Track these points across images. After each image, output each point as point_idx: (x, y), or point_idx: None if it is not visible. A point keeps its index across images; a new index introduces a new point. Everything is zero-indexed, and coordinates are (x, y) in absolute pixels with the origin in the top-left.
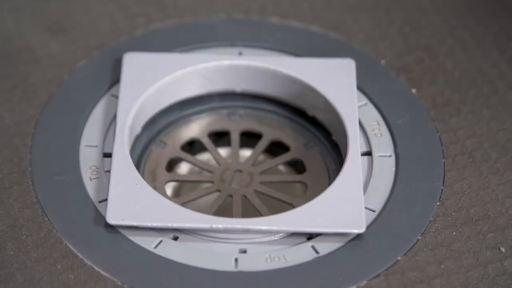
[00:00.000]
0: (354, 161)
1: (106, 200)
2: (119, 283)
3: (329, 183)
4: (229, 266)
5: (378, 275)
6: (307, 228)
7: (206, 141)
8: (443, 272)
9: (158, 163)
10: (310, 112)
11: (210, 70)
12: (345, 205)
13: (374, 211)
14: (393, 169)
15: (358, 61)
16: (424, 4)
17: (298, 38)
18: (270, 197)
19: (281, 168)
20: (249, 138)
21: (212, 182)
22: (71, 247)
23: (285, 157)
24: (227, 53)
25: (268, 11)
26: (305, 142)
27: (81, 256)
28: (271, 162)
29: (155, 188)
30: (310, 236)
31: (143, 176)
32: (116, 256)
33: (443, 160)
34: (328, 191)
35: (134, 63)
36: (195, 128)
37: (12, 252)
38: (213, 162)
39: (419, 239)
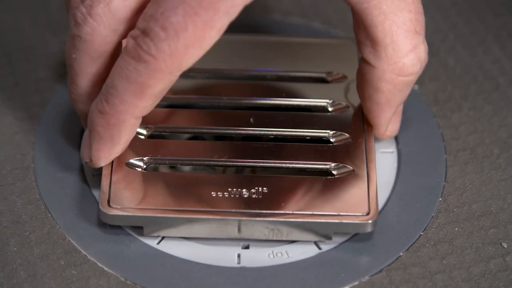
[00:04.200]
0: None
1: None
2: (122, 279)
3: None
4: (232, 262)
5: (381, 271)
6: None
7: None
8: (445, 268)
9: None
10: None
11: None
12: None
13: None
14: (395, 165)
15: None
16: (425, 0)
17: (300, 35)
18: None
19: None
20: None
21: None
22: (74, 243)
23: None
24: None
25: (270, 8)
26: None
27: (84, 252)
28: None
29: None
30: None
31: None
32: (119, 252)
33: (445, 156)
34: None
35: None
36: None
37: (15, 248)
38: None
39: (421, 234)
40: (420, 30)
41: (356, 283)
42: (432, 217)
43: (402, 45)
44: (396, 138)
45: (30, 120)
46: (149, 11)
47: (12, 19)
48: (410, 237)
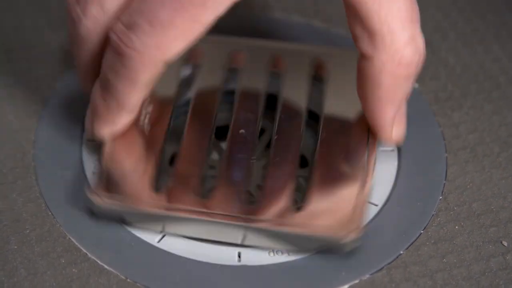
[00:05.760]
0: None
1: None
2: (123, 277)
3: None
4: (232, 260)
5: (381, 269)
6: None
7: None
8: (446, 266)
9: None
10: None
11: None
12: None
13: (376, 205)
14: (396, 163)
15: None
16: None
17: (300, 33)
18: None
19: None
20: None
21: None
22: (75, 242)
23: None
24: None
25: (270, 5)
26: None
27: (84, 250)
28: None
29: None
30: None
31: None
32: (120, 250)
33: (446, 154)
34: None
35: None
36: None
37: (15, 247)
38: None
39: (421, 233)
40: (416, 19)
41: (356, 281)
42: (433, 215)
43: (399, 34)
44: None
45: (31, 119)
46: (135, 5)
47: (13, 18)
48: (411, 235)
